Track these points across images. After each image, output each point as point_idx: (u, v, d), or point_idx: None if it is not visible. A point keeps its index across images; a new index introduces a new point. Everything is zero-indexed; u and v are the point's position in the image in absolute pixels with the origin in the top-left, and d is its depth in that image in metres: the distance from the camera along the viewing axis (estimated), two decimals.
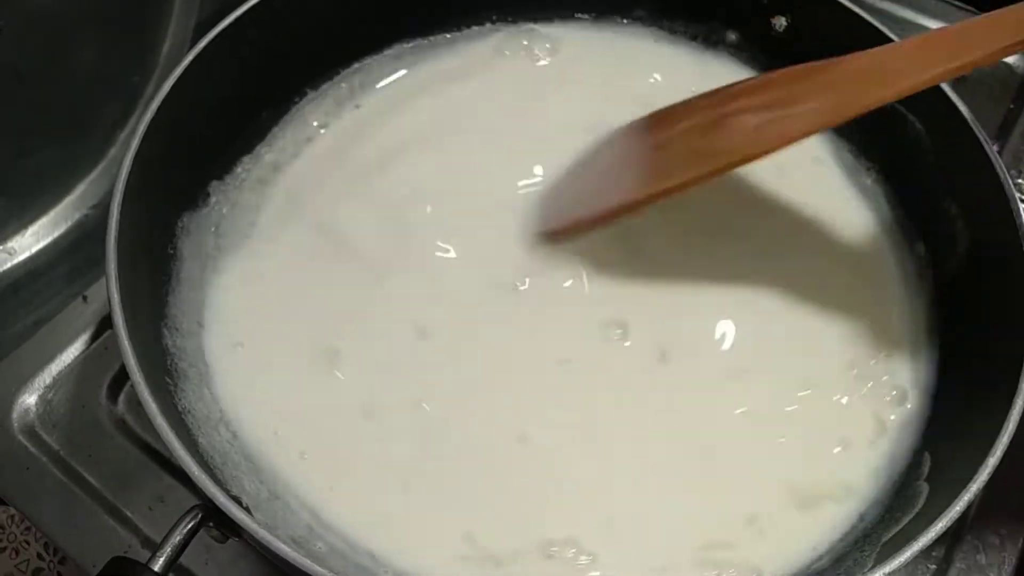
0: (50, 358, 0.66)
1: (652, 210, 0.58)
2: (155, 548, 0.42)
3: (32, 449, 0.62)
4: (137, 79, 0.76)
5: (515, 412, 0.56)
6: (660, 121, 0.62)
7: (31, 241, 0.75)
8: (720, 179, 0.56)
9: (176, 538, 0.43)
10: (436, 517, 0.53)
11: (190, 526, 0.43)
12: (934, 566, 0.60)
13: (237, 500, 0.46)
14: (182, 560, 0.59)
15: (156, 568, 0.41)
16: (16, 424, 0.63)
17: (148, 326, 0.54)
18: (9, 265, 0.73)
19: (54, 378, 0.65)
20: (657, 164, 0.59)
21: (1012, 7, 0.50)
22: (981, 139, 0.58)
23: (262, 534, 0.43)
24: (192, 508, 0.44)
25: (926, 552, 0.60)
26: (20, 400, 0.64)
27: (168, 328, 0.56)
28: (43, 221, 0.75)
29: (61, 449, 0.63)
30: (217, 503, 0.44)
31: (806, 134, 0.54)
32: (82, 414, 0.64)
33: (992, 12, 0.51)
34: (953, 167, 0.61)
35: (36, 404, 0.64)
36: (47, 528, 0.60)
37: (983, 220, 0.59)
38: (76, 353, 0.66)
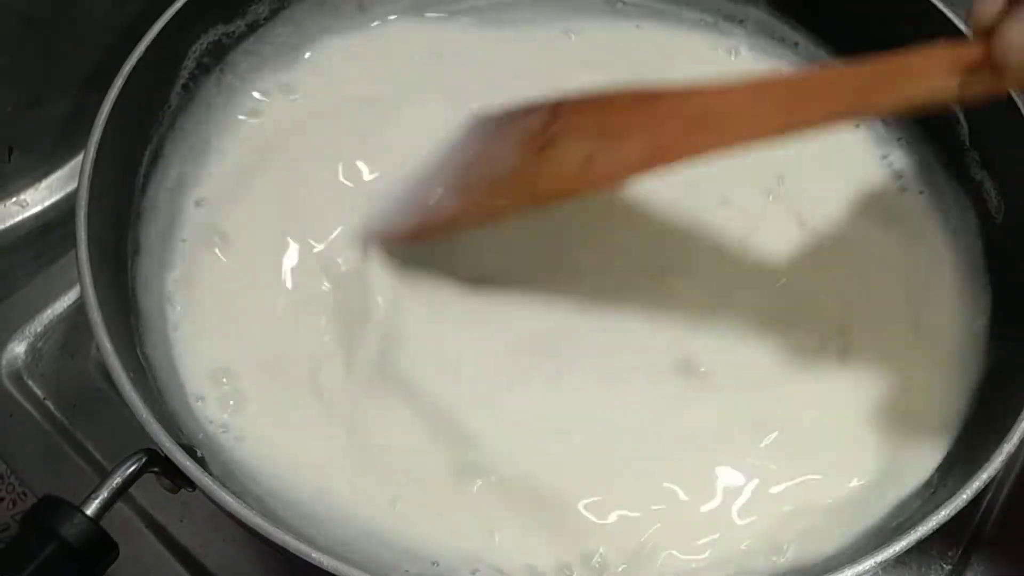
0: (43, 307, 0.65)
1: None
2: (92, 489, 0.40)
3: (17, 396, 0.62)
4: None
5: None
6: (508, 123, 0.55)
7: (44, 195, 0.74)
8: None
9: (115, 481, 0.40)
10: None
11: (132, 470, 0.41)
12: (949, 566, 0.56)
13: (189, 449, 0.44)
14: (156, 516, 0.59)
15: (89, 511, 0.39)
16: (3, 371, 0.63)
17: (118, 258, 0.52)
18: (21, 217, 0.73)
19: (45, 327, 0.64)
20: (482, 179, 0.54)
21: (855, 68, 0.43)
22: None
23: (204, 482, 0.41)
24: (138, 451, 0.42)
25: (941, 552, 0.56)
26: (9, 347, 0.63)
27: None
28: (57, 175, 0.74)
29: (47, 398, 0.62)
30: (163, 449, 0.42)
31: (626, 177, 0.49)
32: (71, 364, 0.63)
33: (836, 69, 0.48)
34: None
35: (25, 352, 0.63)
36: (26, 477, 0.59)
37: None
38: (69, 303, 0.65)
